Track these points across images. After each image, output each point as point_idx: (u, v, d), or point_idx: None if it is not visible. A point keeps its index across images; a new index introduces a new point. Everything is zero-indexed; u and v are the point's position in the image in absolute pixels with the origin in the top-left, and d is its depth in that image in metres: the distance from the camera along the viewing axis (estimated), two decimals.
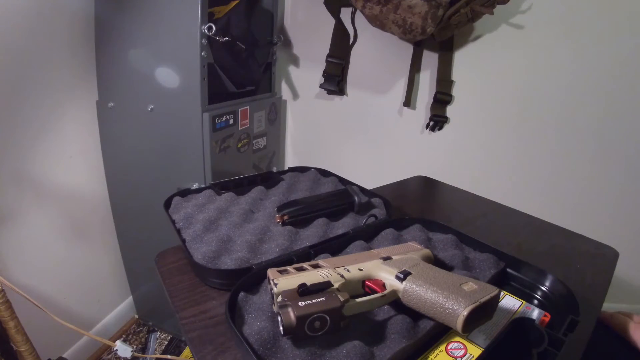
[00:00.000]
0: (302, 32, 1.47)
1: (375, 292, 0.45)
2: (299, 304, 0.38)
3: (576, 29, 1.20)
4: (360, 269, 0.46)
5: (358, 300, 0.42)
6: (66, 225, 1.24)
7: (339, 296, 0.40)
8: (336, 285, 0.42)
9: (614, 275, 0.66)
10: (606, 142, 1.29)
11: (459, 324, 0.39)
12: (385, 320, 0.44)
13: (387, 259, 0.49)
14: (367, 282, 0.46)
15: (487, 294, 0.41)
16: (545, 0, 1.18)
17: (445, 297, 0.40)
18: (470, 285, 0.42)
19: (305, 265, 0.47)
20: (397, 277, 0.44)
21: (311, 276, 0.44)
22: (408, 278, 0.44)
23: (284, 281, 0.42)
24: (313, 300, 0.39)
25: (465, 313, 0.38)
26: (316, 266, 0.47)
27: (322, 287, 0.41)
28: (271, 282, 0.43)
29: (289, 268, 0.46)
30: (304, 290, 0.40)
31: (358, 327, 0.43)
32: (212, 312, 0.52)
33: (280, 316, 0.38)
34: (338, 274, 0.45)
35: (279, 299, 0.41)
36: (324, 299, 0.40)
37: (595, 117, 1.27)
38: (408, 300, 0.43)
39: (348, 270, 0.46)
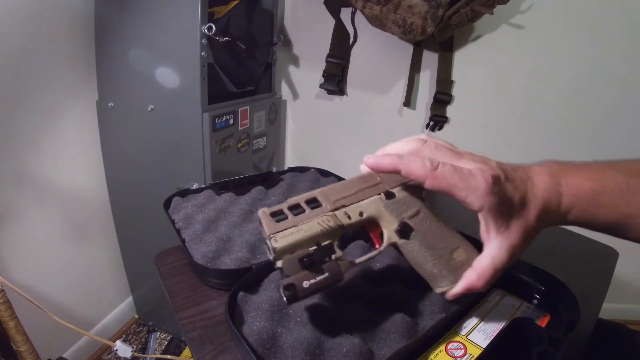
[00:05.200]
0: (302, 32, 1.47)
1: (372, 239, 0.45)
2: (304, 284, 0.38)
3: (576, 29, 1.20)
4: (361, 214, 0.43)
5: (357, 261, 0.42)
6: (66, 225, 1.24)
7: (341, 268, 0.40)
8: (336, 242, 0.41)
9: (614, 275, 0.66)
10: (606, 142, 1.29)
11: (437, 292, 0.43)
12: (385, 319, 0.44)
13: (389, 195, 0.44)
14: (368, 232, 0.45)
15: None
16: (546, 0, 1.18)
17: (434, 265, 0.42)
18: (460, 254, 0.43)
19: (301, 203, 0.42)
20: (397, 232, 0.43)
21: (310, 229, 0.40)
22: (407, 235, 0.43)
23: (282, 239, 0.39)
24: (317, 279, 0.39)
25: (441, 292, 0.43)
26: (313, 202, 0.42)
27: (325, 255, 0.40)
28: (268, 242, 0.40)
29: (284, 209, 0.41)
30: (308, 264, 0.39)
31: (358, 326, 0.43)
32: (211, 312, 0.52)
33: (284, 292, 0.38)
34: (338, 222, 0.42)
35: (282, 278, 0.39)
36: (327, 274, 0.39)
37: (596, 116, 1.27)
38: (401, 252, 0.44)
39: (349, 217, 0.42)
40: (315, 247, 0.40)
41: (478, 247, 0.56)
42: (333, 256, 0.40)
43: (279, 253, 0.39)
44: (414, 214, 0.43)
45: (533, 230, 0.39)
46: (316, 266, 0.39)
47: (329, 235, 0.41)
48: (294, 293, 0.38)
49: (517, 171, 0.40)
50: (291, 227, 0.40)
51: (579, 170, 0.40)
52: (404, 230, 0.43)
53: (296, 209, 0.41)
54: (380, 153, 0.40)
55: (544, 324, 0.46)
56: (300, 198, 0.42)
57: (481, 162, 0.38)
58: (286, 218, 0.40)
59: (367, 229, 0.44)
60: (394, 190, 0.44)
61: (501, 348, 0.41)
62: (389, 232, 0.43)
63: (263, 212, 0.40)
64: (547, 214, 0.39)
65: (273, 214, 0.40)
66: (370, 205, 0.43)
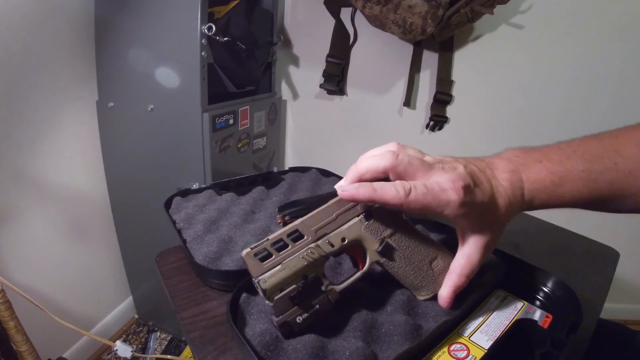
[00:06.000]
0: (302, 32, 1.47)
1: (355, 259, 0.46)
2: (297, 320, 0.41)
3: (576, 29, 1.20)
4: (343, 239, 0.43)
5: (343, 286, 0.44)
6: (66, 225, 1.24)
7: (329, 298, 0.42)
8: (322, 271, 0.43)
9: (615, 275, 0.66)
10: None
11: (420, 299, 0.47)
12: (389, 322, 0.44)
13: (368, 216, 0.44)
14: (351, 254, 0.47)
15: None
16: (546, 0, 1.18)
17: (414, 277, 0.45)
18: (438, 263, 0.46)
19: (284, 238, 0.42)
20: (379, 252, 0.44)
21: (295, 264, 0.41)
22: (388, 254, 0.44)
23: (269, 280, 0.40)
24: (309, 312, 0.41)
25: (422, 299, 0.47)
26: (295, 237, 0.42)
27: (314, 288, 0.42)
28: (256, 284, 0.41)
29: (268, 247, 0.41)
30: (298, 301, 0.41)
31: (361, 329, 0.43)
32: (213, 312, 0.52)
33: (279, 331, 0.41)
34: (321, 252, 0.42)
35: (273, 318, 0.41)
36: (318, 307, 0.42)
37: (596, 116, 1.27)
38: (383, 267, 0.45)
39: (332, 245, 0.43)
40: (302, 281, 0.41)
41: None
42: (321, 287, 0.42)
43: (269, 293, 0.40)
44: (393, 232, 0.45)
45: (502, 225, 0.43)
46: (306, 301, 0.41)
47: (314, 265, 0.42)
48: (289, 330, 0.41)
49: (484, 172, 0.42)
50: (276, 265, 0.41)
51: (540, 163, 0.42)
52: (386, 250, 0.44)
53: (279, 244, 0.42)
54: (354, 172, 0.41)
55: (546, 325, 0.46)
56: (282, 233, 0.42)
57: (450, 169, 0.39)
58: (270, 256, 0.41)
59: (349, 251, 0.45)
60: (373, 209, 0.44)
61: (504, 349, 0.41)
62: (370, 252, 0.44)
63: (247, 254, 0.40)
64: (513, 206, 0.42)
65: (257, 254, 0.41)
66: (351, 229, 0.44)
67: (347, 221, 0.44)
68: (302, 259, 0.41)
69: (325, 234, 0.43)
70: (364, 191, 0.38)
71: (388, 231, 0.44)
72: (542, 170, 0.42)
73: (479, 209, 0.40)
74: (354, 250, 0.45)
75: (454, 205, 0.38)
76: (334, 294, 0.43)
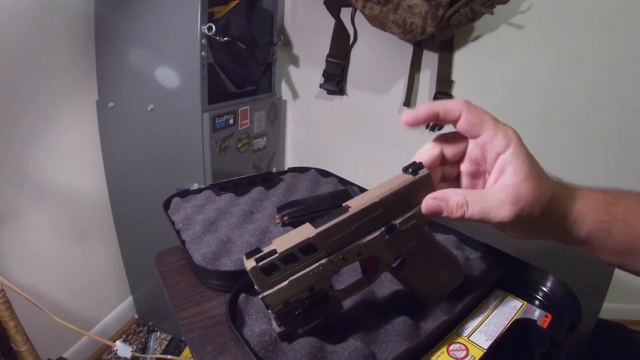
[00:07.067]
0: (302, 32, 1.47)
1: (364, 267, 0.45)
2: (298, 332, 0.41)
3: (577, 29, 1.19)
4: (359, 254, 0.40)
5: (349, 292, 0.44)
6: (66, 225, 1.24)
7: (334, 311, 0.42)
8: (329, 284, 0.41)
9: (614, 275, 0.66)
10: (607, 143, 1.29)
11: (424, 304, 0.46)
12: (387, 322, 0.44)
13: (390, 229, 0.41)
14: (362, 263, 0.44)
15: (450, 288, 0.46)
16: (545, 0, 1.18)
17: (421, 288, 0.45)
18: (445, 275, 0.46)
19: (295, 252, 0.38)
20: (392, 267, 0.43)
21: (304, 280, 0.38)
22: (402, 268, 0.43)
23: (276, 296, 0.38)
24: (311, 325, 0.41)
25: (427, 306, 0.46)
26: (307, 249, 0.38)
27: (319, 302, 0.40)
28: (262, 300, 0.38)
29: (277, 262, 0.37)
30: (302, 314, 0.40)
31: (360, 329, 0.43)
32: (211, 312, 0.52)
33: (280, 339, 0.41)
34: (333, 268, 0.40)
35: (274, 324, 0.41)
36: (320, 320, 0.41)
37: (595, 116, 1.27)
38: (393, 275, 0.45)
39: (345, 260, 0.40)
40: (308, 296, 0.40)
41: (483, 251, 0.56)
42: (327, 301, 0.41)
43: (273, 307, 0.39)
44: (412, 247, 0.42)
45: (539, 209, 0.36)
46: (310, 314, 0.40)
47: (322, 279, 0.40)
48: (289, 339, 0.41)
49: None
50: (283, 281, 0.38)
51: (587, 188, 0.39)
52: (400, 265, 0.42)
53: (289, 258, 0.38)
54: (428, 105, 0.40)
55: (545, 325, 0.45)
56: (293, 247, 0.38)
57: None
58: (278, 269, 0.38)
59: (361, 261, 0.43)
60: (397, 222, 0.41)
61: (503, 349, 0.41)
62: (384, 265, 0.43)
63: (252, 269, 0.37)
64: (558, 196, 0.37)
65: (263, 268, 0.37)
66: (369, 244, 0.41)
67: (366, 234, 0.40)
68: (312, 275, 0.39)
69: (341, 248, 0.40)
70: (425, 107, 0.38)
71: (407, 246, 0.42)
72: (591, 189, 0.38)
73: (529, 156, 0.38)
74: (366, 260, 0.43)
75: (511, 130, 0.39)
76: (338, 306, 0.42)
